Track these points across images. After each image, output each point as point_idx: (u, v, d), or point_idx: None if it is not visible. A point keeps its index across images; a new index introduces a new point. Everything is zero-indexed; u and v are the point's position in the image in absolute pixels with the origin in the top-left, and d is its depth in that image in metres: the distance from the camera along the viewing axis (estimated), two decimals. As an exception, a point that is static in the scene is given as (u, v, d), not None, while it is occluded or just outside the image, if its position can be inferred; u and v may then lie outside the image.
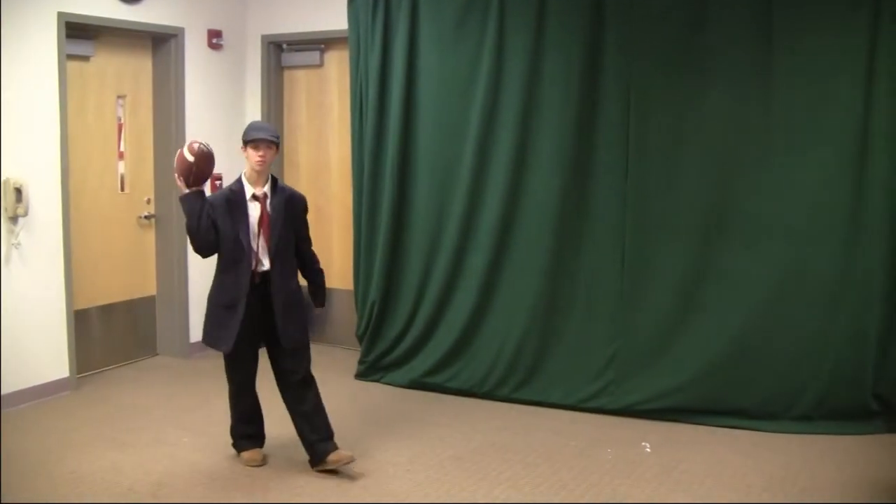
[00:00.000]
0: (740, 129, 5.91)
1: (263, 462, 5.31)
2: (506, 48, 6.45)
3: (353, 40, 7.10)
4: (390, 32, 6.87)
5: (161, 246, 7.66)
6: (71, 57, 6.67)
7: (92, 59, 6.97)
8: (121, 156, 7.35)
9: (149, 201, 7.58)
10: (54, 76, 6.43)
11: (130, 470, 5.20)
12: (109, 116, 7.22)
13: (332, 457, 5.10)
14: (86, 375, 6.99)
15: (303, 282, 5.29)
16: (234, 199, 5.02)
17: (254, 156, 5.00)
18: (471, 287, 6.67)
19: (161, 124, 7.55)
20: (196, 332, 7.75)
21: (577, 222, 6.35)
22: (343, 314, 7.90)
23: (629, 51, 6.11)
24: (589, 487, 5.03)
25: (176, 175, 4.91)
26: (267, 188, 5.07)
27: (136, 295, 7.56)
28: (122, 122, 7.33)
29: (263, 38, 8.07)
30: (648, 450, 5.60)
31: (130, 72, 7.35)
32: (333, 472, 5.12)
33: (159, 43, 7.47)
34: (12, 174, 6.16)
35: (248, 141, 5.02)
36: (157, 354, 7.77)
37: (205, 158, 4.88)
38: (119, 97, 7.27)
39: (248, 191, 5.04)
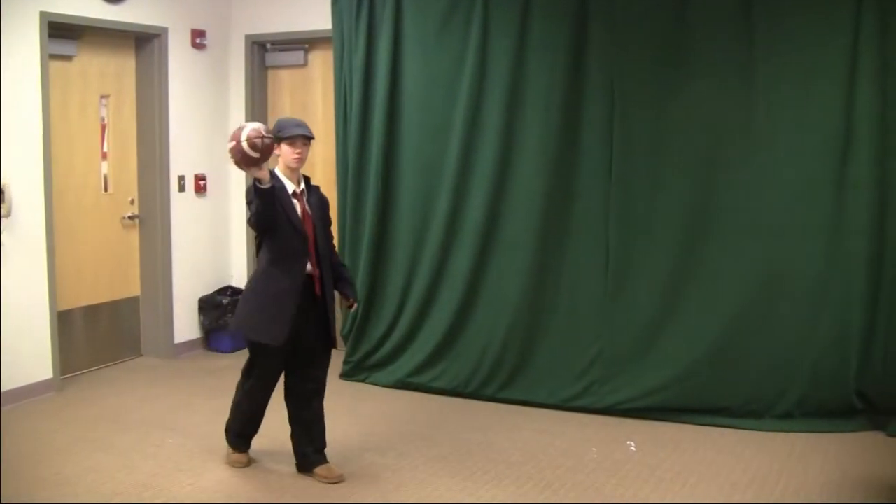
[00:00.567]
0: (723, 129, 5.94)
1: (248, 464, 5.28)
2: (490, 48, 6.46)
3: (337, 40, 7.09)
4: (374, 32, 6.87)
5: (145, 246, 7.64)
6: (54, 57, 6.64)
7: (75, 58, 6.95)
8: (104, 156, 7.33)
9: (132, 201, 7.56)
10: (37, 76, 6.40)
11: (115, 471, 5.19)
12: (93, 116, 7.19)
13: (321, 470, 5.06)
14: (70, 377, 6.96)
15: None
16: (280, 193, 4.81)
17: (291, 153, 4.86)
18: (455, 287, 6.68)
19: (144, 124, 7.53)
20: (181, 332, 7.77)
21: (561, 222, 6.36)
22: (328, 314, 7.89)
23: (613, 50, 6.12)
24: (574, 486, 5.04)
25: (243, 166, 4.63)
26: (303, 186, 4.99)
27: (121, 295, 7.54)
28: (106, 122, 7.31)
29: (247, 37, 8.06)
30: (633, 449, 5.61)
31: (114, 72, 7.33)
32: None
33: (143, 43, 7.44)
34: (-5, 175, 6.15)
35: (285, 137, 4.86)
36: (141, 355, 7.75)
37: (269, 150, 4.63)
38: (102, 97, 7.25)
39: (290, 187, 4.91)
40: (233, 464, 5.26)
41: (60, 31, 6.68)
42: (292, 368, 5.05)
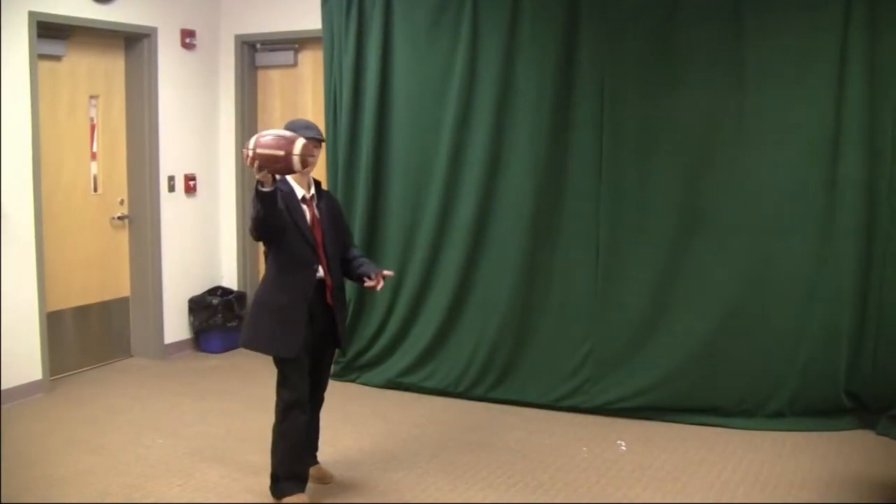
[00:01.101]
0: (714, 129, 5.95)
1: None
2: (480, 48, 6.46)
3: (326, 40, 7.08)
4: (364, 32, 6.86)
5: (134, 247, 7.62)
6: (43, 57, 6.62)
7: (64, 58, 6.93)
8: (93, 156, 7.31)
9: (122, 202, 7.54)
10: (26, 76, 6.38)
11: (104, 473, 5.17)
12: (82, 117, 7.17)
13: (313, 471, 5.01)
14: (59, 378, 6.94)
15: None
16: (289, 198, 4.63)
17: None
18: (445, 287, 6.68)
19: (134, 124, 7.51)
20: (171, 333, 7.75)
21: (551, 221, 6.36)
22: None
23: (602, 50, 6.13)
24: (564, 486, 5.04)
25: (255, 166, 4.32)
26: (313, 190, 4.79)
27: (110, 296, 7.52)
28: (95, 122, 7.29)
29: (237, 37, 8.04)
30: (624, 448, 5.62)
31: (103, 72, 7.31)
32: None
33: (132, 43, 7.42)
34: (-17, 175, 6.13)
35: None
36: (131, 356, 7.73)
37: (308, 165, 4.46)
38: (92, 97, 7.23)
39: (299, 192, 4.70)
40: None
41: (49, 31, 6.66)
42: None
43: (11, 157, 6.33)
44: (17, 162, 6.37)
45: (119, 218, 7.52)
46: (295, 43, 7.94)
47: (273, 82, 8.17)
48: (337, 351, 6.95)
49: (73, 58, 7.02)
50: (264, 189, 4.36)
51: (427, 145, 6.68)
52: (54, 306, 6.91)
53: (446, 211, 6.63)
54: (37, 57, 6.47)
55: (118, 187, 7.52)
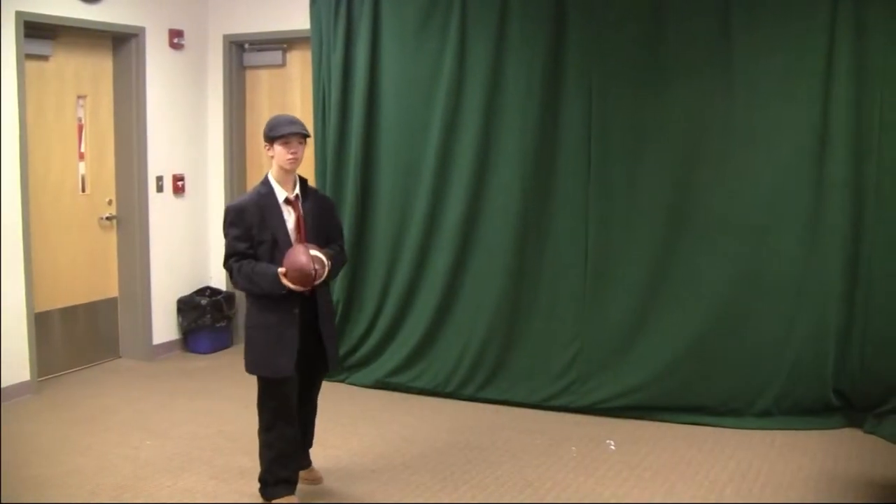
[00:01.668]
0: (702, 129, 5.97)
1: None
2: (468, 48, 6.47)
3: (315, 40, 7.08)
4: (352, 33, 6.86)
5: (123, 247, 7.60)
6: (30, 56, 6.60)
7: (51, 58, 6.90)
8: (81, 156, 7.28)
9: (110, 202, 7.52)
10: (13, 76, 6.36)
11: (93, 474, 5.16)
12: (69, 117, 7.15)
13: (305, 473, 4.98)
14: (47, 379, 6.92)
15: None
16: (267, 203, 4.46)
17: (284, 153, 4.45)
18: (434, 287, 6.68)
19: (122, 125, 7.49)
20: (159, 334, 7.74)
21: (540, 221, 6.37)
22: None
23: (591, 50, 6.14)
24: (554, 486, 5.04)
25: (291, 280, 4.35)
26: (297, 190, 4.59)
27: (98, 297, 7.50)
28: (83, 122, 7.27)
29: (225, 37, 8.03)
30: (613, 447, 5.63)
31: (90, 72, 7.28)
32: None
33: (120, 43, 7.41)
34: (-29, 176, 6.11)
35: (277, 137, 4.46)
36: (119, 357, 7.71)
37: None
38: (79, 97, 7.21)
39: (280, 194, 4.50)
40: None
41: (36, 31, 6.63)
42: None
43: (-1, 158, 6.32)
44: (4, 162, 6.34)
45: (107, 218, 7.50)
46: (283, 43, 7.93)
47: (261, 82, 8.15)
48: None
49: (61, 58, 7.00)
50: (282, 290, 4.38)
51: (416, 145, 6.68)
52: (42, 307, 6.89)
53: (435, 211, 6.64)
54: (24, 57, 6.45)
55: (106, 187, 7.50)
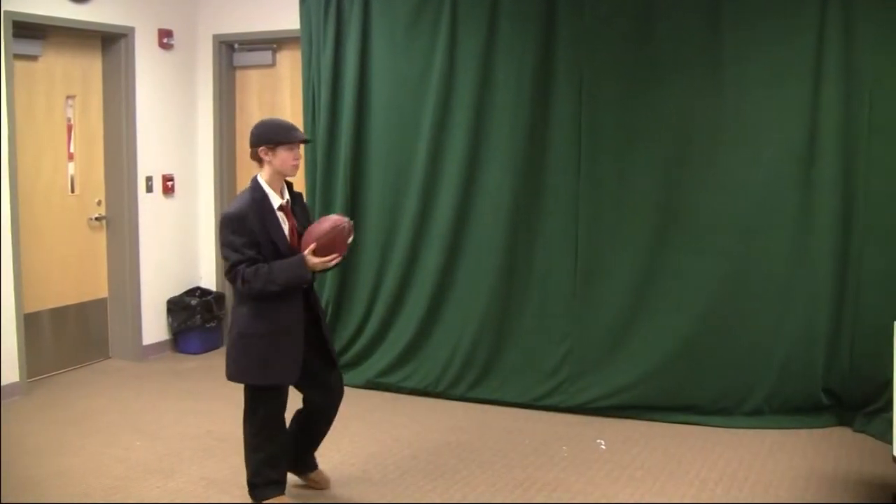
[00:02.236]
0: (691, 129, 5.98)
1: None
2: (458, 48, 6.47)
3: (305, 40, 7.08)
4: (342, 32, 6.86)
5: (112, 248, 7.58)
6: (18, 56, 6.59)
7: (40, 58, 6.89)
8: (71, 157, 7.27)
9: (100, 203, 7.50)
10: (1, 76, 6.33)
11: (83, 475, 5.15)
12: (59, 117, 7.13)
13: (315, 475, 4.95)
14: (37, 380, 6.90)
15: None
16: (263, 210, 4.34)
17: (289, 159, 4.37)
18: (425, 286, 6.68)
19: (111, 125, 7.47)
20: (149, 334, 7.72)
21: (530, 221, 6.38)
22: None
23: (581, 49, 6.15)
24: (544, 485, 5.04)
25: (322, 248, 4.32)
26: (287, 195, 4.51)
27: (88, 297, 7.48)
28: (72, 122, 7.25)
29: (215, 37, 8.02)
30: (603, 447, 5.63)
31: (80, 72, 7.27)
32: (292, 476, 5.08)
33: (109, 43, 7.39)
34: (-41, 176, 6.09)
35: (282, 142, 4.36)
36: (109, 357, 7.69)
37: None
38: (68, 97, 7.19)
39: (275, 200, 4.40)
40: None
41: (25, 31, 6.62)
42: (310, 389, 4.73)
43: (-13, 158, 6.30)
44: (-7, 163, 6.34)
45: (97, 219, 7.48)
46: (273, 43, 7.91)
47: (251, 82, 8.14)
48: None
49: (50, 58, 6.98)
50: (308, 277, 4.35)
51: (406, 144, 6.68)
52: (32, 308, 6.87)
53: (425, 210, 6.64)
54: (12, 57, 6.43)
55: (96, 188, 7.49)
